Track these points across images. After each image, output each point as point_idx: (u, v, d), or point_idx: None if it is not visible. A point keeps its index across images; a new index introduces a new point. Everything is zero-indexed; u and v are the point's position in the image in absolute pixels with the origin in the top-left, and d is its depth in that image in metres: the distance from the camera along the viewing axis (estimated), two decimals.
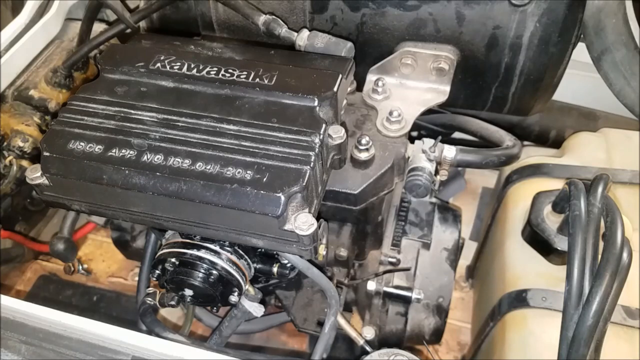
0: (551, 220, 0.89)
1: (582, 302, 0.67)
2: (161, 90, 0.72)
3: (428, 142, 0.88)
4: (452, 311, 1.14)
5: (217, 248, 0.74)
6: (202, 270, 0.73)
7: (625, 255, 0.68)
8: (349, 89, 0.81)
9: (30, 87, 1.02)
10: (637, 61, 0.94)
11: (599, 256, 0.69)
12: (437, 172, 0.88)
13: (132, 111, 0.68)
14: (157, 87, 0.72)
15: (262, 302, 0.86)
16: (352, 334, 0.88)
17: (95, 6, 1.01)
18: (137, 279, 0.90)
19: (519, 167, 1.06)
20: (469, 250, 1.35)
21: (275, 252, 0.80)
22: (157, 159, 0.64)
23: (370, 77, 0.91)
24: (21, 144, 0.97)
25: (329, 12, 0.93)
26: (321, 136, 0.65)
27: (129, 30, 0.95)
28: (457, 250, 1.04)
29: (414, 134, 1.27)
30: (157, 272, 0.76)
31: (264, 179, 0.62)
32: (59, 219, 1.30)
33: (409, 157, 0.87)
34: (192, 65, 0.74)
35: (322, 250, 0.74)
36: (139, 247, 1.04)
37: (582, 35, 0.95)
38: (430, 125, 1.21)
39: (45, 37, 1.07)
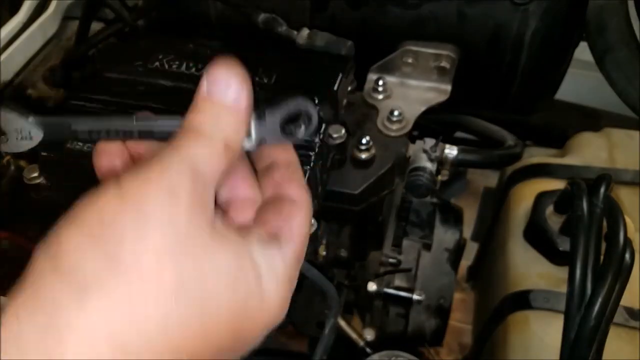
0: (553, 221, 0.89)
1: (585, 303, 0.66)
2: (160, 89, 0.71)
3: (429, 141, 0.87)
4: (453, 312, 1.13)
5: None
6: None
7: (627, 256, 0.67)
8: (349, 88, 0.80)
9: (28, 86, 1.01)
10: (639, 60, 0.93)
11: (602, 257, 0.69)
12: (438, 172, 0.88)
13: (131, 110, 0.68)
14: (155, 86, 0.71)
15: None
16: (353, 335, 0.88)
17: (93, 4, 1.00)
18: None
19: (520, 167, 1.05)
20: (471, 251, 1.34)
21: None
22: None
23: (371, 76, 0.91)
24: None
25: (330, 11, 0.93)
26: (321, 136, 0.65)
27: (127, 29, 0.94)
28: (458, 250, 1.03)
29: (415, 133, 1.27)
30: None
31: None
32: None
33: (409, 157, 0.86)
34: (191, 64, 0.73)
35: (322, 251, 0.73)
36: None
37: (584, 34, 0.94)
38: (432, 125, 1.20)
39: (43, 35, 1.07)
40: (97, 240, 0.31)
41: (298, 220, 0.41)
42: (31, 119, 0.46)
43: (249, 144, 0.42)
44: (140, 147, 0.44)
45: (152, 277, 0.31)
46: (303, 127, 0.42)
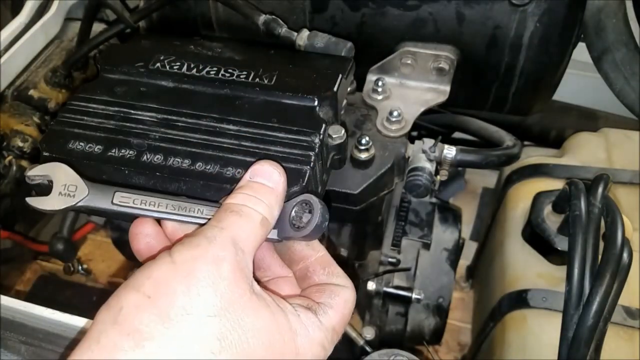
0: (551, 221, 0.89)
1: (583, 303, 0.67)
2: (161, 90, 0.71)
3: (428, 142, 0.87)
4: (452, 311, 1.14)
5: None
6: None
7: (625, 255, 0.68)
8: (349, 88, 0.81)
9: (29, 87, 1.02)
10: (637, 61, 0.94)
11: (599, 256, 0.69)
12: (437, 172, 0.88)
13: (132, 111, 0.68)
14: (156, 87, 0.72)
15: None
16: (352, 334, 0.88)
17: (94, 6, 1.01)
18: None
19: (519, 167, 1.06)
20: (469, 251, 1.35)
21: None
22: (157, 159, 0.63)
23: (370, 77, 0.91)
24: (21, 144, 0.97)
25: (329, 12, 0.93)
26: (321, 136, 0.65)
27: (128, 30, 0.95)
28: (457, 250, 1.04)
29: (414, 133, 1.27)
30: None
31: None
32: (58, 219, 1.30)
33: (409, 157, 0.87)
34: (192, 65, 0.73)
35: None
36: None
37: (582, 35, 0.95)
38: (431, 125, 1.21)
39: (45, 36, 1.07)
40: (152, 299, 0.37)
41: (340, 297, 0.46)
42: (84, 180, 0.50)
43: (272, 234, 0.47)
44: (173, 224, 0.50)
45: (198, 331, 0.36)
46: (309, 218, 0.47)
